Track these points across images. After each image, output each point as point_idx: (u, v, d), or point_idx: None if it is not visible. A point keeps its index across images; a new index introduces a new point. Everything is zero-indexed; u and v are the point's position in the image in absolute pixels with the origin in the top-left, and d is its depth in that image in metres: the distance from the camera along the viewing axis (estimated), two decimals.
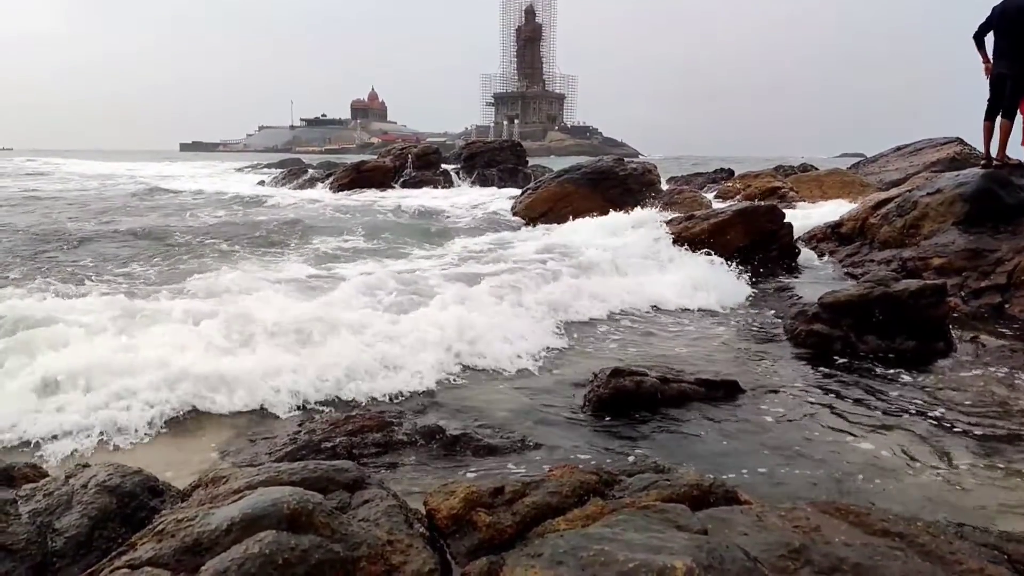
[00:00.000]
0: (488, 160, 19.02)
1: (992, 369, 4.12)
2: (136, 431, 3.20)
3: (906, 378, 3.98)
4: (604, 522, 1.72)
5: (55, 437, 3.09)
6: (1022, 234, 5.93)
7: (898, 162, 14.32)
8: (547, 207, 11.18)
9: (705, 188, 13.87)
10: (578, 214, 9.92)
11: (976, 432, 3.21)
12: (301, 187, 18.88)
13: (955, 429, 3.25)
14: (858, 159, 17.75)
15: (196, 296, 5.14)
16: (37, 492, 1.92)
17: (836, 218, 8.11)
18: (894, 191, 7.98)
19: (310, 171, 21.54)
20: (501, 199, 13.78)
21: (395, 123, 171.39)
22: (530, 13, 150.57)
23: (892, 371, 4.10)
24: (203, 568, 1.49)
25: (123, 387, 3.48)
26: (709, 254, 6.82)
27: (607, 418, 3.36)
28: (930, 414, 3.43)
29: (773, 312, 5.59)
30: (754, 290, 6.38)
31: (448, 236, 9.92)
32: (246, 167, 31.23)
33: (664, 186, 12.94)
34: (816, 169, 15.90)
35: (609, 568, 1.45)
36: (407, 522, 1.75)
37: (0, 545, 1.71)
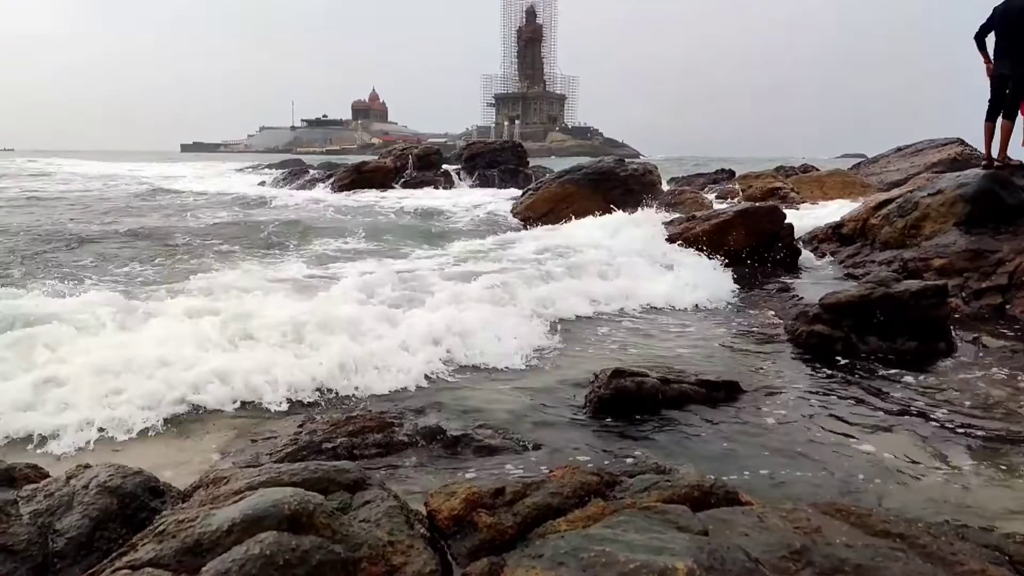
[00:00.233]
0: (489, 161, 19.03)
1: (993, 370, 4.11)
2: (135, 428, 3.22)
3: (907, 379, 3.97)
4: (605, 523, 1.72)
5: (54, 435, 3.10)
6: (1023, 235, 5.92)
7: (899, 163, 14.31)
8: (548, 208, 11.18)
9: (706, 189, 13.88)
10: (579, 215, 9.91)
11: (977, 433, 3.20)
12: (302, 188, 18.91)
13: (956, 430, 3.25)
14: (859, 160, 17.75)
15: (195, 295, 5.15)
16: (38, 493, 1.93)
17: (837, 219, 8.11)
18: (895, 192, 7.97)
19: (311, 172, 21.55)
20: (502, 200, 13.79)
21: (396, 124, 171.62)
22: (531, 14, 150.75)
23: (893, 372, 4.10)
24: (204, 569, 1.49)
25: (122, 385, 3.49)
26: (700, 250, 6.85)
27: (608, 419, 3.36)
28: (931, 415, 3.43)
29: (774, 313, 5.59)
30: (737, 286, 6.43)
31: (448, 236, 9.92)
32: (247, 168, 31.25)
33: (665, 187, 12.96)
34: (817, 170, 15.90)
35: (610, 569, 1.45)
36: (408, 523, 1.75)
37: (1, 546, 1.71)
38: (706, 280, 6.39)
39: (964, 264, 5.88)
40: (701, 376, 3.77)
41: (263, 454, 2.95)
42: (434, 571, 1.61)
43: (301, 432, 3.12)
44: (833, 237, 7.85)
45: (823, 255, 7.63)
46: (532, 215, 11.21)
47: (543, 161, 31.43)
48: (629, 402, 3.42)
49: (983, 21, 6.89)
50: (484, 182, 18.08)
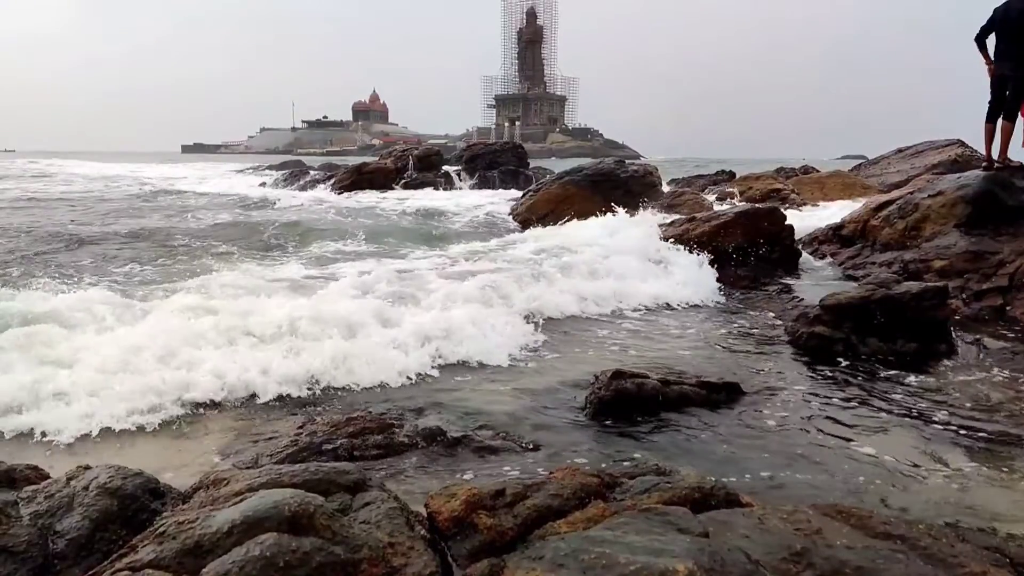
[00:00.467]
0: (489, 162, 19.02)
1: (994, 371, 4.11)
2: (133, 427, 3.23)
3: (908, 381, 3.97)
4: (605, 525, 1.72)
5: (51, 434, 3.11)
6: (1023, 236, 5.93)
7: (899, 164, 14.32)
8: (548, 209, 11.18)
9: (706, 190, 13.87)
10: (579, 216, 9.91)
11: (978, 435, 3.20)
12: (303, 188, 18.92)
13: (957, 432, 3.24)
14: (859, 161, 17.75)
15: (193, 294, 5.16)
16: (38, 494, 1.93)
17: (837, 220, 8.11)
18: (895, 193, 7.97)
19: (311, 173, 21.57)
20: (502, 201, 13.79)
21: (396, 125, 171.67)
22: (531, 15, 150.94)
23: (894, 373, 4.09)
24: (204, 570, 1.49)
25: (120, 383, 3.51)
26: (690, 249, 6.94)
27: (608, 420, 3.36)
28: (932, 417, 3.42)
29: (774, 314, 5.59)
30: (719, 283, 6.51)
31: (448, 237, 9.92)
32: (248, 169, 31.25)
33: (665, 188, 12.96)
34: (817, 171, 15.91)
35: (610, 571, 1.45)
36: (408, 524, 1.75)
37: (1, 547, 1.71)
38: (695, 277, 6.54)
39: (965, 265, 5.88)
40: (701, 378, 3.77)
41: (263, 455, 2.95)
42: (434, 573, 1.61)
43: (301, 433, 3.12)
44: (833, 238, 7.84)
45: (823, 256, 7.62)
46: (532, 216, 11.20)
47: (543, 162, 31.41)
48: (629, 403, 3.42)
49: (983, 22, 6.89)
50: (484, 183, 18.07)
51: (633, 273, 6.59)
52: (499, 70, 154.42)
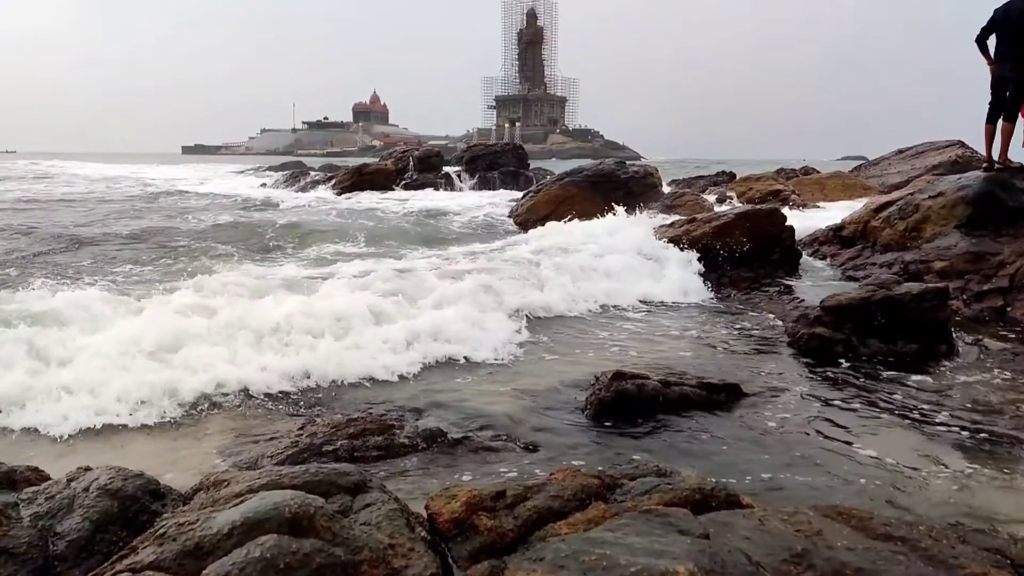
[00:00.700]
0: (490, 163, 19.02)
1: (995, 372, 4.11)
2: (132, 426, 3.23)
3: (908, 381, 3.97)
4: (606, 526, 1.72)
5: (50, 432, 3.11)
6: None
7: (900, 165, 14.33)
8: (549, 210, 11.17)
9: (707, 191, 13.86)
10: (580, 217, 9.90)
11: (979, 436, 3.20)
12: (303, 190, 18.92)
13: (958, 432, 3.24)
14: (860, 162, 17.77)
15: (191, 292, 5.17)
16: (39, 495, 1.93)
17: (838, 221, 8.11)
18: (896, 194, 7.96)
19: (312, 174, 21.57)
20: (502, 201, 13.78)
21: (397, 126, 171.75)
22: (532, 16, 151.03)
23: (894, 374, 4.09)
24: (204, 572, 1.49)
25: (118, 382, 3.52)
26: (691, 252, 7.01)
27: (609, 421, 3.36)
28: (933, 418, 3.42)
29: (774, 315, 5.58)
30: (719, 284, 6.58)
31: (448, 238, 9.93)
32: (248, 170, 31.27)
33: (666, 189, 12.94)
34: (818, 172, 15.93)
35: (611, 572, 1.45)
36: (409, 526, 1.75)
37: (2, 548, 1.71)
38: (688, 276, 6.66)
39: (965, 266, 5.88)
40: (702, 379, 3.76)
41: (263, 456, 2.95)
42: (435, 574, 1.60)
43: (302, 434, 3.12)
44: (834, 239, 7.84)
45: (824, 257, 7.62)
46: (533, 217, 11.19)
47: (544, 163, 31.42)
48: (630, 405, 3.42)
49: (983, 23, 6.89)
50: (485, 184, 18.07)
51: (629, 273, 6.67)
52: (499, 71, 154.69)
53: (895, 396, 3.75)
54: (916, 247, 6.58)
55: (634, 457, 2.98)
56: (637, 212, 9.50)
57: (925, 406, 3.59)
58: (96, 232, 9.91)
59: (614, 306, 5.94)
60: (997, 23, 6.79)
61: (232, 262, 7.58)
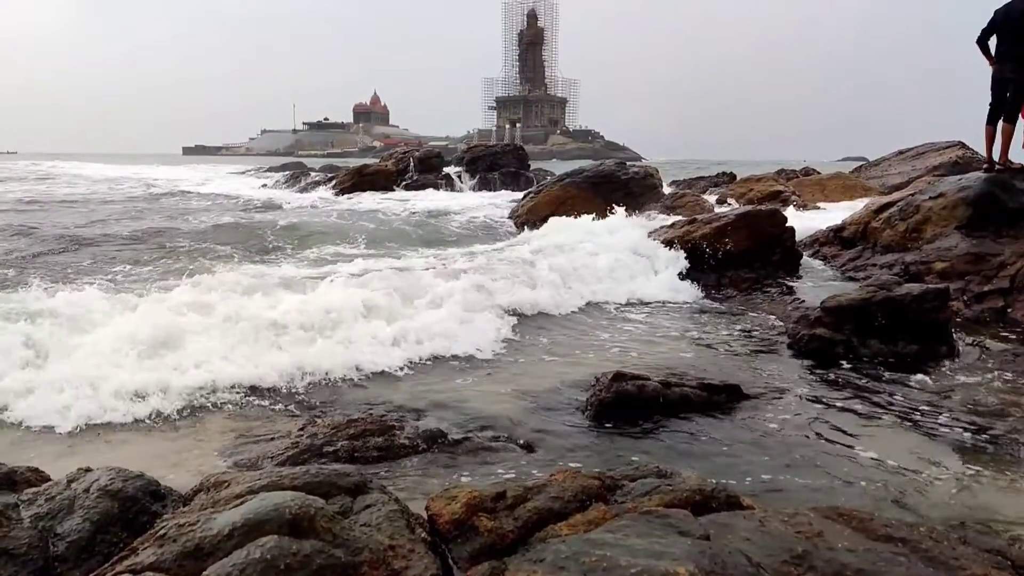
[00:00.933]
0: (490, 163, 19.03)
1: (995, 373, 4.11)
2: (130, 425, 3.24)
3: (909, 382, 3.97)
4: (606, 527, 1.72)
5: (48, 430, 3.12)
6: None
7: (900, 166, 14.33)
8: (549, 210, 11.17)
9: (707, 192, 13.86)
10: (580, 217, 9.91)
11: (979, 437, 3.20)
12: (303, 190, 18.95)
13: (958, 434, 3.24)
14: (860, 163, 17.77)
15: (189, 292, 5.17)
16: (39, 496, 1.93)
17: (838, 222, 8.11)
18: (896, 195, 7.97)
19: (312, 174, 21.62)
20: (503, 202, 13.79)
21: (397, 127, 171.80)
22: (532, 17, 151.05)
23: (895, 375, 4.09)
24: (205, 573, 1.49)
25: (117, 381, 3.53)
26: (672, 247, 7.13)
27: (609, 422, 3.36)
28: (933, 419, 3.42)
29: (775, 316, 5.58)
30: (699, 285, 6.65)
31: (448, 238, 9.94)
32: (249, 171, 31.28)
33: (666, 190, 12.94)
34: (818, 173, 15.92)
35: (611, 573, 1.45)
36: (409, 527, 1.75)
37: (2, 549, 1.71)
38: (675, 273, 6.78)
39: (965, 267, 5.88)
40: (702, 380, 3.76)
41: (264, 457, 2.95)
42: (435, 575, 1.60)
43: (302, 435, 3.12)
44: (834, 240, 7.83)
45: (824, 258, 7.62)
46: (533, 217, 11.19)
47: (544, 164, 31.41)
48: (630, 405, 3.42)
49: (984, 25, 6.89)
50: (485, 185, 18.09)
51: (621, 270, 6.76)
52: (500, 72, 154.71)
53: (896, 397, 3.75)
54: (917, 248, 6.58)
55: (634, 458, 2.97)
56: (637, 213, 9.54)
57: (926, 407, 3.59)
58: (97, 233, 9.92)
59: (603, 303, 6.04)
60: (998, 24, 6.79)
61: (233, 261, 7.59)
